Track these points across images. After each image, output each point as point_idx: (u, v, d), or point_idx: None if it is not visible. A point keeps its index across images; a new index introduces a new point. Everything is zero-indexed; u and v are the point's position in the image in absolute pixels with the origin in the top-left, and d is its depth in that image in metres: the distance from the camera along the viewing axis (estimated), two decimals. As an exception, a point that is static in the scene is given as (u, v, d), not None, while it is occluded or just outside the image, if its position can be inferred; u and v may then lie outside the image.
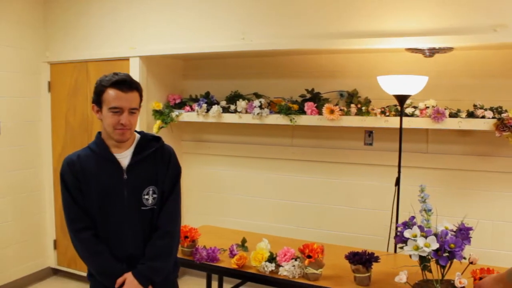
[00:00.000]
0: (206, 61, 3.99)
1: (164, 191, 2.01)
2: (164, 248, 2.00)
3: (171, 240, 2.02)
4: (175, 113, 3.74)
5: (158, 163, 2.01)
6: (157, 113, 3.77)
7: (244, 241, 2.77)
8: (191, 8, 3.55)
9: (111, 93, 1.86)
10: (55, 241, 4.26)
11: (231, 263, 2.56)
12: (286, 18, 3.27)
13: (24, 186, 4.04)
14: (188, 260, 2.72)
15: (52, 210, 4.23)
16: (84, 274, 4.10)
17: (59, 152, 4.15)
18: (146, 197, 1.97)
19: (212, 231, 3.22)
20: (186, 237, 2.75)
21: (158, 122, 3.73)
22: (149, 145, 2.02)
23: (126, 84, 1.88)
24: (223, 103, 3.65)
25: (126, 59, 3.74)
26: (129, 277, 1.91)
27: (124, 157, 1.97)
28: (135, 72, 3.68)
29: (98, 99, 1.90)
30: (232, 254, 2.64)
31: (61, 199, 2.00)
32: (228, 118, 3.56)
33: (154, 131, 3.71)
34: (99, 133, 2.02)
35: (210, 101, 3.70)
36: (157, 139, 2.07)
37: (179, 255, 2.81)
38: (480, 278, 2.13)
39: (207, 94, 3.82)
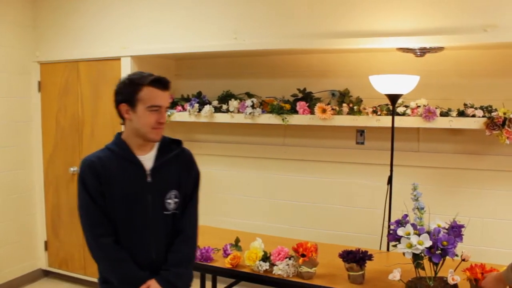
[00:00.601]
0: (198, 61, 3.98)
1: (186, 195, 1.98)
2: (188, 254, 1.98)
3: (193, 245, 2.01)
4: (166, 113, 3.72)
5: (180, 167, 1.97)
6: (149, 113, 3.75)
7: (237, 240, 2.77)
8: (183, 8, 3.54)
9: (150, 91, 1.81)
10: (46, 242, 4.23)
11: (225, 263, 2.56)
12: (278, 18, 3.28)
13: (15, 187, 4.00)
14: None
15: (42, 211, 4.19)
16: (76, 275, 4.12)
17: (50, 152, 4.12)
18: (169, 201, 1.92)
19: (205, 231, 3.21)
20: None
21: (150, 122, 3.71)
22: (170, 148, 1.98)
23: (163, 82, 1.85)
24: (215, 102, 3.65)
25: (118, 59, 3.72)
26: (153, 284, 1.85)
27: (147, 160, 1.91)
28: (127, 72, 3.65)
29: (131, 98, 1.82)
30: (226, 254, 2.64)
31: (78, 203, 1.89)
32: (220, 117, 3.56)
33: (146, 131, 3.69)
34: (119, 134, 1.94)
35: (202, 101, 3.70)
36: (178, 142, 2.03)
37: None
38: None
39: (199, 93, 3.81)
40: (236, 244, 2.76)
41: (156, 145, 1.95)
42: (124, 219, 1.86)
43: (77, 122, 3.98)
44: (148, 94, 1.81)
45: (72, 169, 3.99)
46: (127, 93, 1.83)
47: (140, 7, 3.68)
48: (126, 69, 3.67)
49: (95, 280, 3.99)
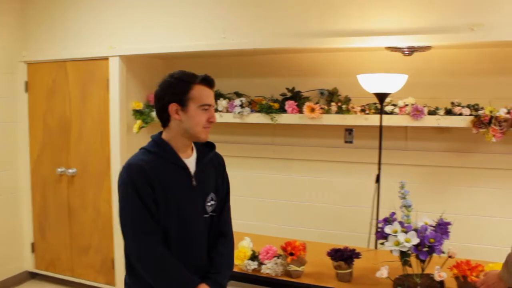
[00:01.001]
0: (187, 60, 3.97)
1: (221, 198, 1.98)
2: (232, 257, 2.00)
3: (233, 247, 2.03)
4: (155, 112, 3.71)
5: (216, 170, 1.97)
6: (138, 113, 3.73)
7: (226, 240, 2.76)
8: (171, 7, 3.53)
9: (201, 89, 1.79)
10: (32, 244, 4.18)
11: (214, 262, 2.55)
12: (267, 17, 3.28)
13: (1, 188, 3.96)
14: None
15: (29, 212, 4.15)
16: (63, 277, 4.08)
17: (37, 153, 4.08)
18: (208, 204, 1.90)
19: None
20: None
21: (139, 122, 3.70)
22: (204, 150, 1.94)
23: (211, 80, 1.83)
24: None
25: (105, 58, 3.70)
26: None
27: (190, 163, 1.86)
28: (115, 71, 3.65)
29: (182, 97, 1.77)
30: (214, 253, 2.63)
31: (123, 211, 1.77)
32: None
33: (134, 131, 3.67)
34: (159, 135, 1.87)
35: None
36: (211, 144, 1.99)
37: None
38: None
39: (187, 93, 3.80)
40: (225, 244, 2.74)
41: (194, 147, 1.92)
42: (175, 225, 1.79)
43: (64, 123, 3.94)
44: (199, 92, 1.79)
45: (59, 170, 3.95)
46: (177, 92, 1.78)
47: (128, 7, 3.66)
48: (114, 69, 3.65)
49: (83, 281, 3.99)
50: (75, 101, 3.89)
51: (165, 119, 1.83)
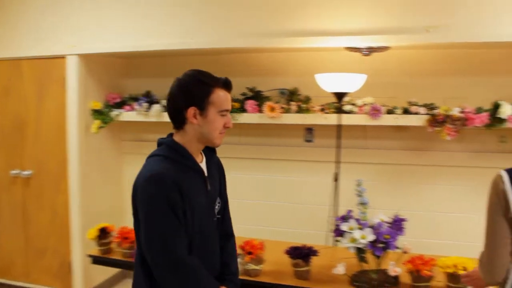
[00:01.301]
0: (147, 60, 3.91)
1: (225, 199, 1.94)
2: (237, 255, 2.00)
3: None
4: (114, 112, 3.65)
5: (219, 173, 1.91)
6: (96, 113, 3.65)
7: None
8: (132, 6, 3.47)
9: (222, 94, 1.68)
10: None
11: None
12: (228, 17, 3.27)
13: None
14: (127, 262, 2.65)
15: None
16: (18, 283, 3.93)
17: (-10, 155, 3.94)
18: (216, 206, 1.84)
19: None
20: (125, 238, 2.69)
21: (97, 122, 3.62)
22: (209, 153, 1.86)
23: (231, 84, 1.73)
24: (164, 102, 3.59)
25: (63, 57, 3.60)
26: None
27: (203, 166, 1.78)
28: (72, 70, 3.55)
29: (202, 101, 1.66)
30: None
31: (155, 227, 1.61)
32: (167, 117, 3.50)
33: (92, 131, 3.60)
34: (172, 139, 1.73)
35: (151, 100, 3.64)
36: (213, 148, 1.89)
37: (119, 257, 2.74)
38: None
39: (148, 93, 3.75)
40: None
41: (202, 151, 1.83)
42: (197, 232, 1.70)
43: (19, 123, 3.81)
44: (220, 97, 1.68)
45: (13, 172, 3.82)
46: (198, 95, 1.66)
47: (87, 5, 3.57)
48: (72, 68, 3.56)
49: (39, 287, 3.85)
50: (31, 101, 3.77)
51: (180, 122, 1.71)
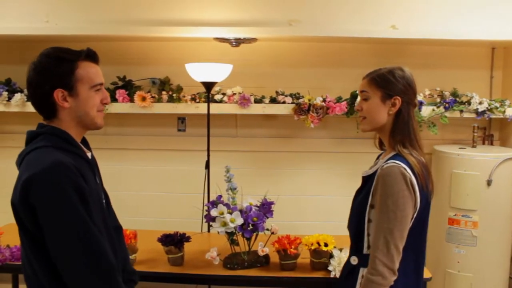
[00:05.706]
0: (6, 45, 3.59)
1: (106, 193, 1.78)
2: None
3: None
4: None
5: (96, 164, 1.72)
6: None
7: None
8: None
9: (88, 66, 1.55)
10: None
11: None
12: (93, 3, 3.15)
13: None
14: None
15: None
16: None
17: None
18: (103, 200, 1.67)
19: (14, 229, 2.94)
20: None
21: None
22: (86, 144, 1.68)
23: (97, 55, 1.62)
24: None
25: None
26: None
27: (89, 156, 1.60)
28: None
29: (67, 80, 1.49)
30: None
31: (67, 226, 1.36)
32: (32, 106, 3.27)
33: None
34: (55, 127, 1.51)
35: (12, 89, 3.36)
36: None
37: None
38: None
39: (8, 80, 3.46)
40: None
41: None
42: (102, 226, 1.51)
43: None
44: (88, 71, 1.52)
45: None
46: (60, 74, 1.47)
47: None
48: None
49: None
50: None
51: (49, 110, 1.50)
